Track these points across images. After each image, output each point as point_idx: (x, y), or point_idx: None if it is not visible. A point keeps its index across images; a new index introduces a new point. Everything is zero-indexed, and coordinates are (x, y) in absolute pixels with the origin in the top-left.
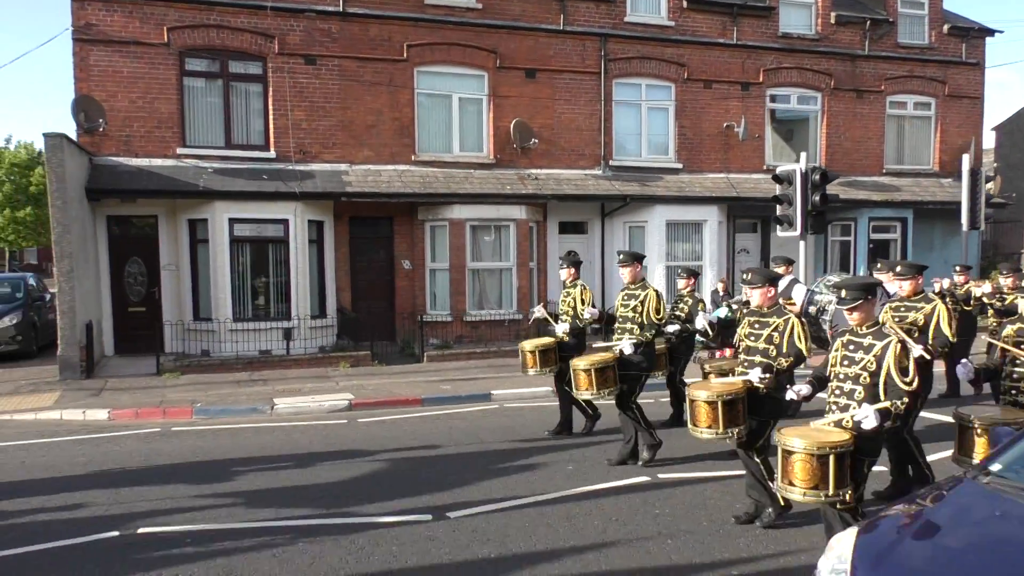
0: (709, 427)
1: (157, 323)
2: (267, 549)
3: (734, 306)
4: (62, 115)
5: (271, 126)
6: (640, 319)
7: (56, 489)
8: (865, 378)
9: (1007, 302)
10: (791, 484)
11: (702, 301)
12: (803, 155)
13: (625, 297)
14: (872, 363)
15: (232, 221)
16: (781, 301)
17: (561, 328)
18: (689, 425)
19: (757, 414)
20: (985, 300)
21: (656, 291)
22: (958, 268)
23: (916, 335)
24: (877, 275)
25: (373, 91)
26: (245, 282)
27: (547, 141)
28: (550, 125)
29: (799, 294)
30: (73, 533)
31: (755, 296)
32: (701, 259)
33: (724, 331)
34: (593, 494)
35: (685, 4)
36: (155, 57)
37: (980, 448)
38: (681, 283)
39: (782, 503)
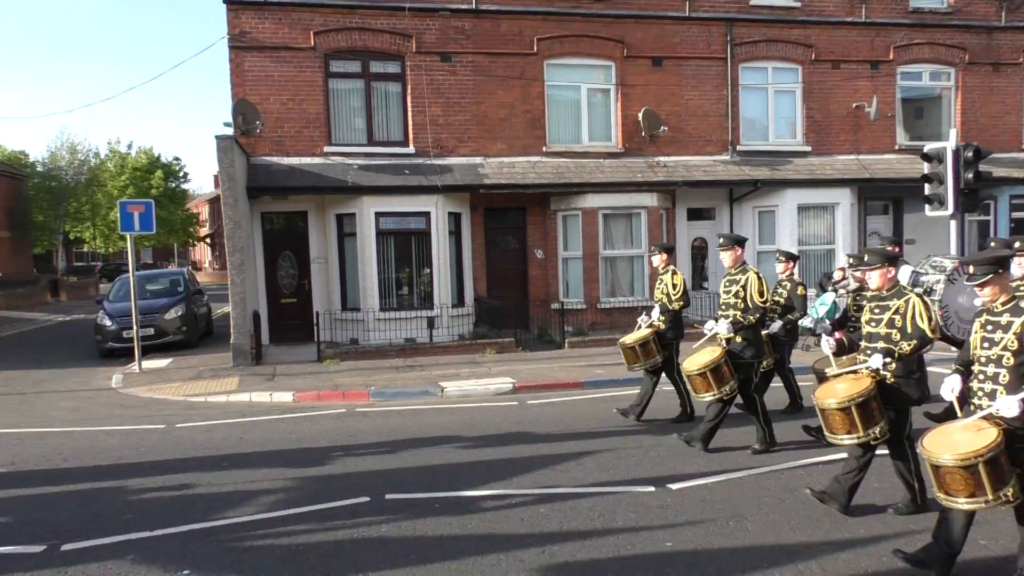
0: (849, 433)
1: (312, 313)
2: (514, 509)
3: (840, 292)
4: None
5: (410, 123)
6: (743, 304)
7: (282, 462)
8: (1008, 359)
9: None
10: (948, 495)
11: (802, 285)
12: (952, 132)
13: (727, 283)
14: (1013, 341)
15: (378, 215)
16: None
17: (654, 315)
18: (826, 434)
19: (891, 405)
20: None
21: (758, 273)
22: None
23: None
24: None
25: (505, 85)
26: (390, 273)
27: (674, 128)
28: (677, 112)
29: (904, 275)
30: (327, 498)
31: (874, 278)
32: (833, 243)
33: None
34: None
35: None
36: (303, 61)
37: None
38: (779, 267)
39: (919, 503)
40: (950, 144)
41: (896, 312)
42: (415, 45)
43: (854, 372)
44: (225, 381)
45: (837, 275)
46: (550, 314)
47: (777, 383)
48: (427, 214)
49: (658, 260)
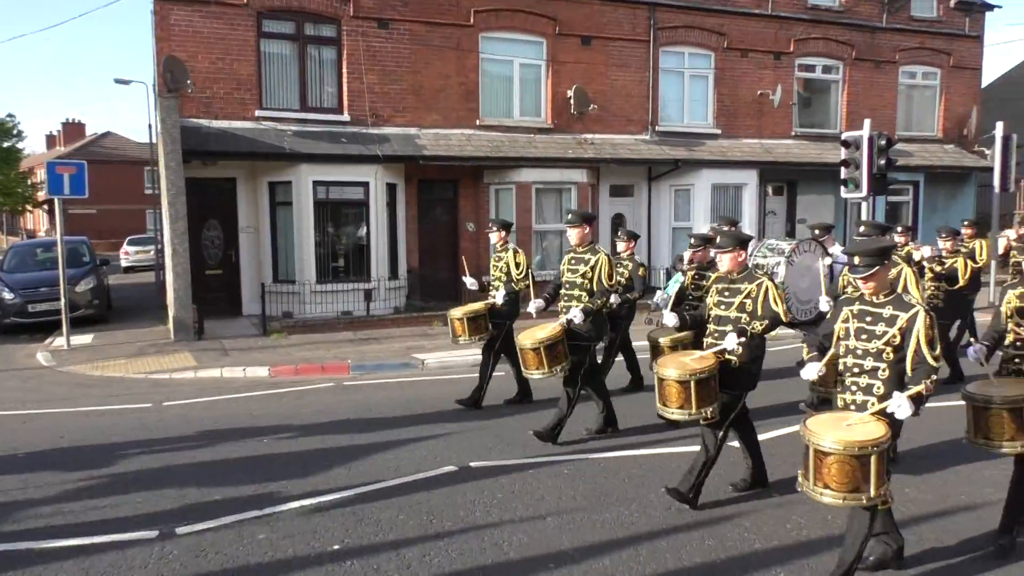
0: (681, 407)
1: (240, 285)
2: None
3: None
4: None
5: (345, 89)
6: (590, 285)
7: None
8: (888, 354)
9: (946, 266)
10: (826, 487)
11: (643, 265)
12: (867, 121)
13: (572, 261)
14: (896, 336)
15: (316, 184)
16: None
17: (500, 295)
18: (657, 404)
19: (729, 388)
20: (925, 264)
21: (608, 255)
22: (965, 222)
23: None
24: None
25: (441, 56)
26: (327, 245)
27: (600, 107)
28: (603, 91)
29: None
30: (413, 470)
31: (725, 261)
32: (741, 221)
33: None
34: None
35: None
36: (234, 18)
37: (1005, 428)
38: (621, 246)
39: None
40: (865, 132)
41: (747, 296)
42: (352, 9)
43: (699, 351)
44: (178, 357)
45: (687, 255)
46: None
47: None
48: (366, 184)
49: (495, 237)
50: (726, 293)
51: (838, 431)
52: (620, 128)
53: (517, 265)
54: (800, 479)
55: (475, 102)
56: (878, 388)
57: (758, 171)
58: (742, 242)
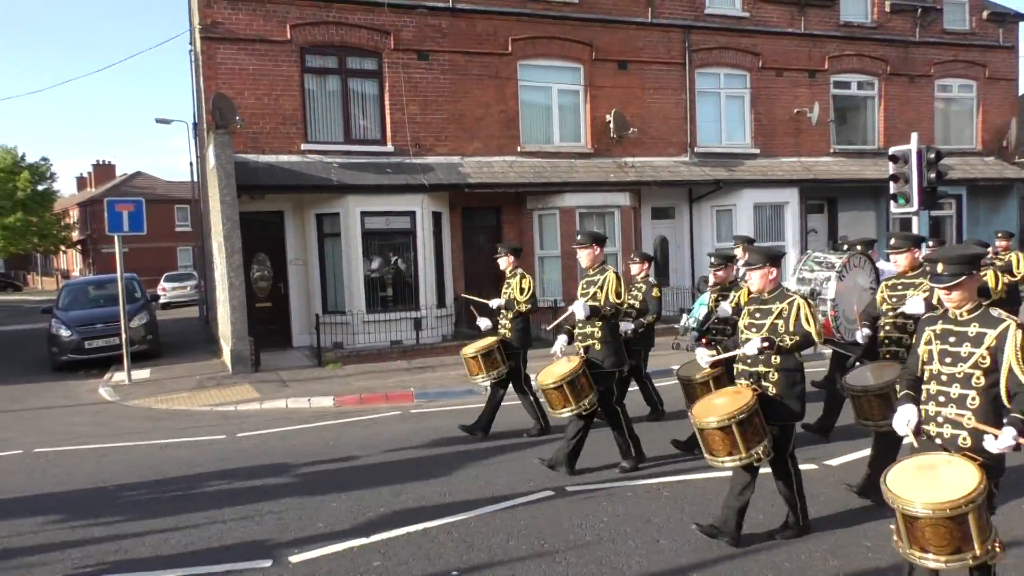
0: (730, 454)
1: (289, 317)
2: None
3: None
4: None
5: (387, 120)
6: (599, 305)
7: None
8: (979, 379)
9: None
10: (924, 551)
11: (656, 286)
12: (914, 135)
13: (585, 285)
14: (986, 357)
15: (364, 214)
16: (741, 284)
17: (503, 324)
18: (706, 456)
19: (774, 421)
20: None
21: (616, 273)
22: (1000, 234)
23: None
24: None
25: (481, 85)
26: (375, 274)
27: (639, 130)
28: (641, 115)
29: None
30: (509, 493)
31: (755, 279)
32: (783, 239)
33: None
34: None
35: None
36: (279, 55)
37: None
38: (635, 268)
39: (801, 524)
40: (913, 146)
41: (779, 316)
42: (392, 42)
43: (733, 386)
44: (239, 389)
45: (710, 275)
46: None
47: (634, 389)
48: (412, 213)
49: (504, 262)
50: (757, 315)
51: (925, 490)
52: (659, 151)
53: (523, 290)
54: (895, 538)
55: (515, 129)
56: (968, 419)
57: (799, 189)
58: (773, 258)
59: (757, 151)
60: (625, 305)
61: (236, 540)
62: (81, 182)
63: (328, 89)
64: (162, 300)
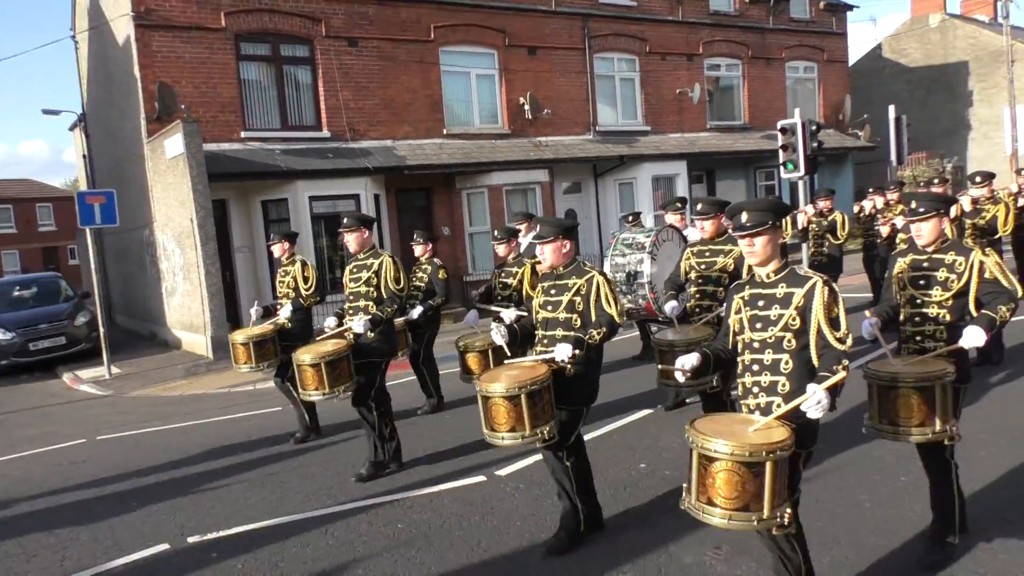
0: (512, 430)
1: (239, 304)
2: None
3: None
4: None
5: (322, 106)
6: (376, 292)
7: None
8: (790, 341)
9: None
10: (710, 503)
11: (443, 267)
12: (796, 111)
13: (354, 269)
14: (795, 319)
15: (311, 199)
16: (525, 260)
17: (284, 313)
18: (484, 430)
19: (566, 403)
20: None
21: (392, 258)
22: (822, 194)
23: (727, 281)
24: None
25: (408, 70)
26: (323, 258)
27: (550, 111)
28: (550, 97)
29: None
30: None
31: (547, 253)
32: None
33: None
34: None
35: None
36: (214, 42)
37: (914, 411)
38: (418, 249)
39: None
40: (797, 119)
41: (576, 293)
42: (324, 29)
43: (533, 361)
44: (232, 373)
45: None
46: (462, 286)
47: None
48: (356, 196)
49: (279, 250)
50: (552, 291)
51: (731, 436)
52: (568, 130)
53: (306, 279)
54: (684, 494)
55: (440, 112)
56: (783, 385)
57: (686, 162)
58: (567, 230)
59: (648, 128)
60: (405, 290)
61: (339, 492)
62: None
63: (263, 76)
64: None
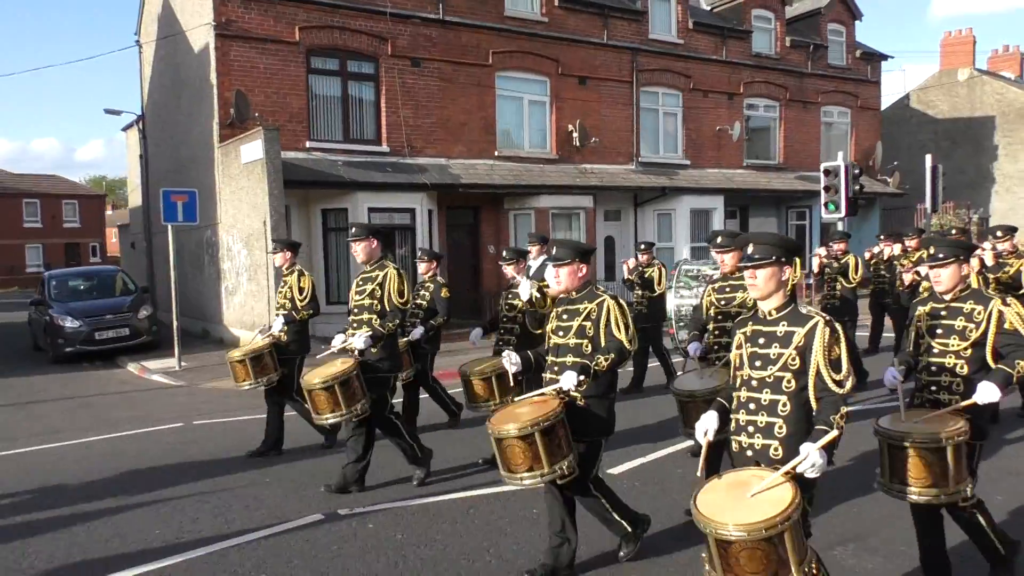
0: (530, 469)
1: None
2: None
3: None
4: None
5: (383, 122)
6: (380, 306)
7: None
8: (789, 382)
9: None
10: None
11: (445, 286)
12: (840, 154)
13: (360, 282)
14: (795, 359)
15: (371, 210)
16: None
17: (275, 327)
18: (502, 472)
19: (581, 435)
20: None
21: (398, 270)
22: (837, 237)
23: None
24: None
25: (465, 92)
26: None
27: (596, 140)
28: (597, 126)
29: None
30: None
31: (563, 276)
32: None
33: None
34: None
35: (691, 25)
36: (288, 55)
37: (924, 471)
38: (421, 267)
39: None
40: (841, 162)
41: (587, 318)
42: (390, 48)
43: (540, 394)
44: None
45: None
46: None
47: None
48: (412, 210)
49: (280, 259)
50: (564, 316)
51: (738, 511)
52: (611, 159)
53: (301, 290)
54: (706, 567)
55: (493, 134)
56: (779, 428)
57: (724, 197)
58: (582, 253)
59: (688, 162)
60: (410, 307)
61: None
62: None
63: (330, 90)
64: None
